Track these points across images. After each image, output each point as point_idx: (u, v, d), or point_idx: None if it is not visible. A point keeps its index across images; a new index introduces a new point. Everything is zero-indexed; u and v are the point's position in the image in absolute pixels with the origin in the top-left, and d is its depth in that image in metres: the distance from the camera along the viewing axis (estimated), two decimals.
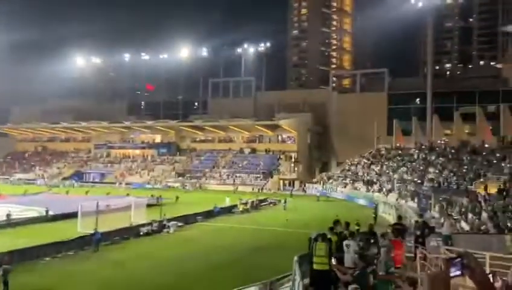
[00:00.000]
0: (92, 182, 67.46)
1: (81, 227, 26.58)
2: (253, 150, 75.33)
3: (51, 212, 32.82)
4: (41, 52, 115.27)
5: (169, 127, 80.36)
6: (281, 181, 66.98)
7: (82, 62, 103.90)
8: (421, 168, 49.25)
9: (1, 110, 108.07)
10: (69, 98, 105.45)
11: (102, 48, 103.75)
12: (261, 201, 45.33)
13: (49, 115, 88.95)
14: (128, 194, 43.94)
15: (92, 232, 23.91)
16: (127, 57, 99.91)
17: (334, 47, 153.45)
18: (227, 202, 41.41)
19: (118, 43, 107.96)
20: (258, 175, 66.51)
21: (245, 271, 19.22)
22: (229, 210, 39.17)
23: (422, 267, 10.15)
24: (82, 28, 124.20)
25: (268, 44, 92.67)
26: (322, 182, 61.92)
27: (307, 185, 63.32)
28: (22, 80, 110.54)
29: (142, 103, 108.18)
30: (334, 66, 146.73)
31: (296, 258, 10.61)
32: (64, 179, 69.49)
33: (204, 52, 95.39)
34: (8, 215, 30.42)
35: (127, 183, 64.09)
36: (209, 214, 35.71)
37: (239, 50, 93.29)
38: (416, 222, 15.94)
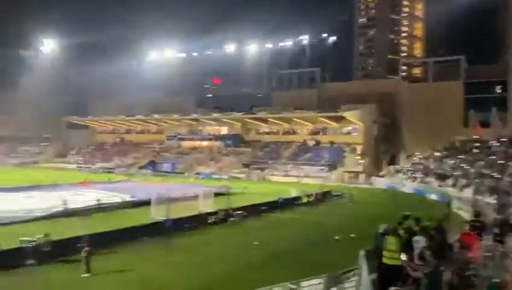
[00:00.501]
0: (164, 172, 71.06)
1: (155, 214, 28.19)
2: (317, 142, 74.61)
3: (134, 199, 35.10)
4: (118, 48, 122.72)
5: (234, 120, 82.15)
6: (346, 174, 65.76)
7: (156, 57, 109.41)
8: (501, 162, 45.70)
9: (83, 104, 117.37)
10: (144, 92, 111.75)
11: (174, 44, 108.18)
12: (326, 193, 44.90)
13: (126, 107, 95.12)
14: (201, 184, 47.22)
15: (164, 219, 25.30)
16: (195, 52, 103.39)
17: (404, 34, 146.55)
18: (293, 193, 41.58)
19: (188, 39, 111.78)
20: (322, 167, 65.84)
21: (307, 263, 19.28)
22: (293, 202, 39.29)
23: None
24: (156, 24, 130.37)
25: (333, 34, 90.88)
26: (389, 175, 59.83)
27: (373, 178, 61.57)
28: (102, 75, 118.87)
29: (209, 96, 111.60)
30: (403, 54, 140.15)
31: (362, 252, 10.50)
32: (140, 168, 73.88)
33: (269, 44, 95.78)
34: (98, 200, 33.29)
35: (195, 173, 66.66)
36: (273, 205, 36.10)
37: (304, 41, 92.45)
38: (495, 219, 14.96)
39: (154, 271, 18.24)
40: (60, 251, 19.61)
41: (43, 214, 29.58)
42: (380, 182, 57.82)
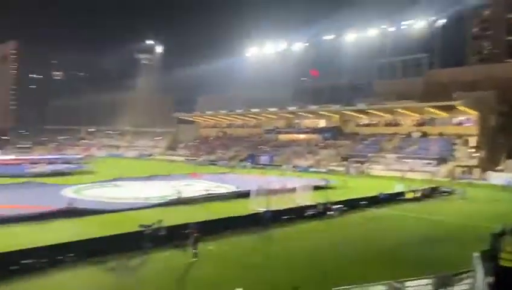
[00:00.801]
0: (263, 164, 72.87)
1: (254, 205, 29.09)
2: (424, 134, 69.73)
3: (238, 190, 36.71)
4: (222, 46, 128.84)
5: (332, 112, 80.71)
6: (457, 168, 60.37)
7: (255, 52, 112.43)
8: None
9: (190, 100, 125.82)
10: (244, 86, 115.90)
11: (272, 39, 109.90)
12: (433, 190, 41.81)
13: (228, 103, 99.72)
14: (299, 176, 48.31)
15: (264, 210, 25.98)
16: (292, 45, 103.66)
17: None
18: (398, 188, 39.60)
19: (285, 33, 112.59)
20: (429, 161, 61.36)
21: (411, 262, 18.26)
22: (395, 197, 37.34)
23: None
24: (255, 21, 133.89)
25: (442, 17, 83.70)
26: (508, 170, 53.54)
27: (489, 173, 55.64)
28: (206, 72, 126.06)
29: (307, 88, 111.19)
30: None
31: (477, 253, 9.59)
32: (241, 161, 76.85)
33: (370, 32, 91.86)
34: (206, 190, 35.78)
35: (293, 166, 67.16)
36: (373, 200, 34.72)
37: (408, 26, 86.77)
38: None
39: (253, 260, 18.87)
40: (171, 236, 21.37)
41: (159, 201, 32.58)
42: (498, 178, 51.99)
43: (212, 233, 22.78)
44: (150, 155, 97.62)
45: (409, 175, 55.62)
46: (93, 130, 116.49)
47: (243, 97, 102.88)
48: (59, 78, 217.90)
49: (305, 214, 28.86)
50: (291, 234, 24.25)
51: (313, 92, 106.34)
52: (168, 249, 20.22)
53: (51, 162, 65.98)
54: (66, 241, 18.85)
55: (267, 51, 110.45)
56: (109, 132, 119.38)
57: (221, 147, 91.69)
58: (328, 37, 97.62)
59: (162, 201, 32.71)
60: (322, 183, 38.75)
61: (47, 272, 16.69)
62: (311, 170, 64.79)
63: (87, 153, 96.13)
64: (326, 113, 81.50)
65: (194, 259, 18.53)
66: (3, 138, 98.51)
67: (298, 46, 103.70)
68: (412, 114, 72.24)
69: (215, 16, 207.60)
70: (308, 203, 30.54)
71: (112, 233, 20.54)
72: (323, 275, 16.84)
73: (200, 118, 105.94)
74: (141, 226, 20.96)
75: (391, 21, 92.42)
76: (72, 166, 59.99)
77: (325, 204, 30.15)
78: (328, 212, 29.41)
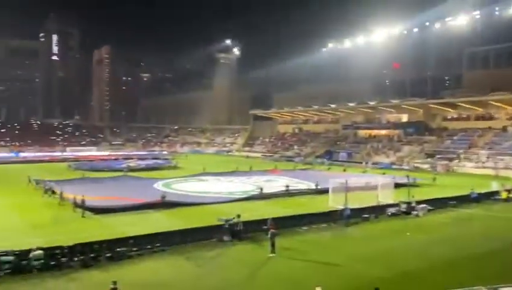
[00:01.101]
0: (340, 161, 71.36)
1: (332, 202, 28.64)
2: None
3: (318, 186, 36.28)
4: (297, 42, 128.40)
5: (416, 106, 76.32)
6: None
7: (332, 47, 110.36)
8: None
9: (267, 97, 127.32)
10: (320, 82, 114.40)
11: (349, 32, 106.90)
12: None
13: (304, 99, 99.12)
14: (384, 173, 46.94)
15: (342, 207, 25.46)
16: (369, 37, 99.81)
17: None
18: (494, 187, 36.50)
19: (358, 26, 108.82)
20: None
21: (501, 267, 16.71)
22: (488, 197, 34.33)
23: None
24: (335, 14, 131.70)
25: None
26: None
27: None
28: (283, 69, 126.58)
29: (387, 82, 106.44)
30: None
31: None
32: (317, 157, 76.04)
33: (457, 19, 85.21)
34: (286, 186, 36.11)
35: (373, 163, 64.86)
36: (463, 200, 32.26)
37: (502, 11, 79.00)
38: None
39: (332, 258, 18.58)
40: (249, 231, 21.89)
41: (242, 196, 33.80)
42: None
43: (289, 229, 22.92)
44: (228, 151, 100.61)
45: (504, 173, 50.80)
46: (176, 127, 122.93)
47: (320, 92, 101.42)
48: (146, 79, 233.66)
49: (387, 212, 27.77)
50: (372, 233, 23.47)
51: (395, 85, 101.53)
52: (245, 243, 20.73)
53: (141, 158, 71.47)
54: (154, 232, 20.28)
55: (345, 44, 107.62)
56: (191, 129, 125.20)
57: (298, 143, 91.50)
58: (411, 27, 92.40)
59: (245, 196, 33.80)
60: (405, 181, 36.89)
61: (135, 259, 18.07)
62: (393, 167, 62.02)
63: (172, 149, 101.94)
64: (409, 107, 77.29)
65: (272, 254, 18.74)
66: (99, 135, 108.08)
67: (378, 38, 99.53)
68: (507, 107, 65.82)
69: (293, 11, 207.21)
70: (390, 201, 29.34)
71: (196, 225, 21.73)
72: (404, 277, 16.10)
73: (276, 115, 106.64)
74: (220, 219, 21.76)
75: (483, 6, 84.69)
76: (160, 161, 64.21)
77: (408, 203, 28.74)
78: (413, 212, 27.98)
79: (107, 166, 56.78)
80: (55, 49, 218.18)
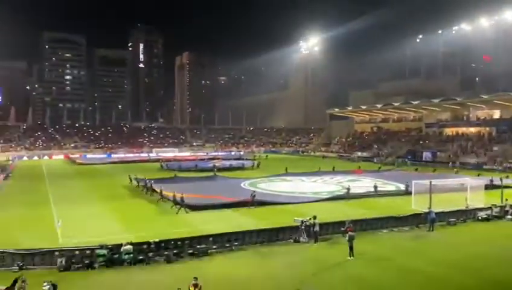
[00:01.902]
0: (424, 161, 67.38)
1: (415, 204, 27.13)
2: None
3: (407, 188, 33.73)
4: (371, 39, 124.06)
5: (510, 101, 69.45)
6: None
7: (411, 42, 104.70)
8: None
9: (343, 95, 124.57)
10: (400, 78, 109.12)
11: (430, 25, 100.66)
12: None
13: (382, 96, 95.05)
14: (479, 175, 43.62)
15: (427, 211, 24.03)
16: (457, 29, 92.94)
17: None
18: None
19: (447, 14, 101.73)
20: None
21: None
22: None
23: None
24: (408, 9, 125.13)
25: None
26: None
27: None
28: (358, 66, 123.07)
29: (477, 76, 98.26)
30: None
31: None
32: (398, 157, 72.59)
33: None
34: (375, 187, 35.23)
35: (461, 163, 60.31)
36: None
37: None
38: None
39: (413, 264, 17.62)
40: (326, 232, 21.59)
41: (328, 196, 33.65)
42: None
43: (370, 232, 22.22)
44: (304, 152, 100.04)
45: None
46: (252, 128, 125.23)
47: (400, 89, 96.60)
48: (224, 82, 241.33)
49: (477, 216, 25.70)
50: (459, 238, 21.86)
51: (485, 79, 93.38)
52: (322, 245, 20.46)
53: (226, 158, 74.19)
54: (233, 230, 20.88)
55: (426, 39, 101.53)
56: (266, 129, 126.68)
57: (377, 142, 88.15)
58: (504, 14, 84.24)
59: (331, 196, 33.65)
60: (497, 182, 33.79)
61: (214, 256, 18.75)
62: (484, 167, 57.11)
63: (248, 150, 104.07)
64: (502, 103, 70.55)
65: (350, 258, 18.27)
66: (181, 137, 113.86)
67: (465, 30, 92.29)
68: None
69: (369, 6, 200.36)
70: (480, 205, 27.10)
71: (273, 225, 21.95)
72: (495, 287, 14.74)
73: (353, 114, 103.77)
74: (296, 220, 21.72)
75: None
76: (243, 162, 66.31)
77: (502, 206, 26.31)
78: (506, 216, 25.59)
79: (196, 166, 59.90)
80: (141, 57, 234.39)
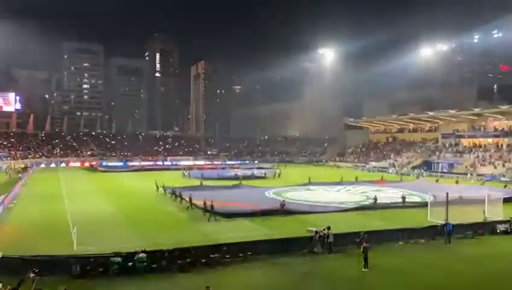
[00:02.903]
0: (441, 172, 66.36)
1: (432, 216, 26.67)
2: None
3: (431, 199, 33.52)
4: (390, 48, 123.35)
5: None
6: None
7: (427, 51, 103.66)
8: None
9: (358, 105, 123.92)
10: (416, 88, 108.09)
11: (447, 34, 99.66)
12: None
13: (397, 106, 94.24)
14: (505, 186, 44.14)
15: (443, 223, 23.59)
16: (476, 38, 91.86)
17: None
18: None
19: (462, 26, 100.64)
20: None
21: None
22: None
23: None
24: (427, 17, 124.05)
25: None
26: None
27: None
28: (375, 75, 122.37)
29: (495, 86, 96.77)
30: None
31: None
32: (414, 168, 71.64)
33: None
34: (403, 197, 34.78)
35: (478, 175, 59.20)
36: None
37: None
38: None
39: (429, 277, 17.29)
40: (341, 243, 21.35)
41: (354, 206, 33.74)
42: None
43: (385, 244, 21.91)
44: (318, 161, 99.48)
45: None
46: (266, 137, 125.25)
47: (416, 99, 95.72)
48: (239, 91, 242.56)
49: (496, 230, 25.12)
50: (477, 252, 21.37)
51: (504, 89, 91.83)
52: (337, 256, 20.25)
53: (247, 167, 74.44)
54: (248, 240, 20.82)
55: (443, 47, 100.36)
56: (281, 139, 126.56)
57: (392, 153, 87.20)
58: None
59: (357, 206, 33.70)
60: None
61: (228, 266, 18.69)
62: (502, 179, 55.93)
63: (262, 159, 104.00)
64: None
65: (365, 269, 18.02)
66: (196, 146, 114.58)
67: (482, 39, 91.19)
68: None
69: (383, 15, 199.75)
70: (499, 217, 26.50)
71: (287, 235, 21.80)
72: None
73: (369, 124, 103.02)
74: (309, 230, 21.55)
75: None
76: (264, 171, 66.62)
77: None
78: None
79: (218, 174, 60.71)
80: (157, 66, 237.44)
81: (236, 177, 55.32)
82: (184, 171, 63.50)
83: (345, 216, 29.80)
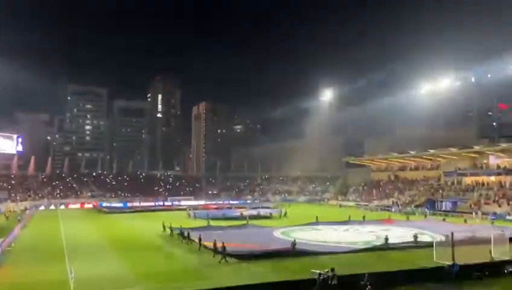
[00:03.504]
0: (444, 211, 65.54)
1: (437, 257, 26.08)
2: None
3: (446, 237, 30.90)
4: (390, 85, 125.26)
5: None
6: None
7: (426, 90, 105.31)
8: None
9: (358, 143, 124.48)
10: (417, 126, 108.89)
11: (448, 72, 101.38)
12: None
13: (398, 144, 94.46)
14: (493, 223, 44.73)
15: (450, 263, 22.99)
16: (473, 78, 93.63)
17: None
18: None
19: (463, 65, 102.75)
20: None
21: None
22: None
23: None
24: (427, 55, 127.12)
25: None
26: None
27: None
28: (376, 113, 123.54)
29: (494, 124, 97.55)
30: None
31: None
32: (417, 206, 70.83)
33: None
34: (415, 237, 34.11)
35: (483, 213, 58.42)
36: None
37: None
38: None
39: None
40: (344, 286, 20.70)
41: (364, 246, 33.19)
42: None
43: (387, 286, 21.25)
44: (320, 200, 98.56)
45: None
46: (267, 176, 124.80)
47: (417, 137, 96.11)
48: (239, 130, 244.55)
49: (504, 270, 24.43)
50: None
51: (503, 127, 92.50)
52: None
53: (252, 207, 74.04)
54: (250, 283, 20.21)
55: (443, 85, 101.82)
56: (282, 178, 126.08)
57: (394, 191, 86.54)
58: None
59: (368, 246, 33.14)
60: None
61: None
62: (508, 218, 55.12)
63: (263, 198, 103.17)
64: None
65: None
66: (197, 185, 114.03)
67: (480, 77, 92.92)
68: None
69: (383, 52, 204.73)
70: (506, 257, 25.86)
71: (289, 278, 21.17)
72: None
73: (370, 162, 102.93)
74: (313, 273, 20.99)
75: None
76: (269, 210, 66.20)
77: None
78: None
79: (223, 214, 60.36)
80: (159, 107, 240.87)
81: (242, 217, 54.96)
82: (189, 211, 62.83)
83: (350, 257, 29.13)
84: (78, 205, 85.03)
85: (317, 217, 51.92)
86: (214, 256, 28.36)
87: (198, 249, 31.30)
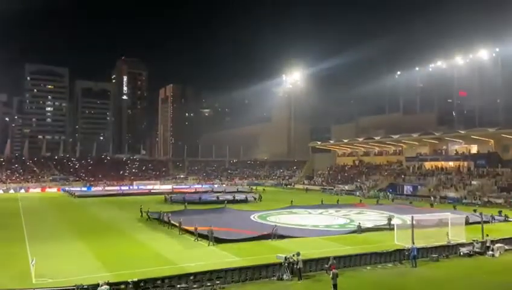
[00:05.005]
0: (406, 195, 68.04)
1: (398, 240, 27.19)
2: None
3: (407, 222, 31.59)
4: (353, 74, 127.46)
5: (487, 136, 71.56)
6: None
7: (391, 78, 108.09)
8: None
9: (325, 129, 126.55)
10: (380, 113, 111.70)
11: (414, 60, 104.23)
12: None
13: (363, 130, 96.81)
14: (455, 207, 46.25)
15: (409, 246, 24.03)
16: (433, 65, 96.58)
17: None
18: None
19: (424, 51, 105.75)
20: None
21: None
22: None
23: None
24: (398, 44, 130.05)
25: None
26: None
27: None
28: (340, 101, 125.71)
29: (454, 111, 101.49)
30: None
31: None
32: (380, 190, 73.16)
33: None
34: (389, 219, 34.89)
35: (441, 197, 61.10)
36: None
37: None
38: None
39: None
40: (310, 269, 21.28)
41: (341, 229, 34.53)
42: None
43: (353, 269, 22.01)
44: (287, 184, 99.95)
45: None
46: (235, 161, 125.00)
47: (381, 123, 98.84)
48: (207, 114, 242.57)
49: (459, 252, 25.80)
50: (442, 275, 21.80)
51: (462, 114, 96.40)
52: (306, 283, 20.12)
53: (228, 191, 73.77)
54: (216, 268, 20.37)
55: (406, 74, 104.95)
56: (250, 162, 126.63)
57: (359, 176, 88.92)
58: (478, 53, 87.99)
59: (344, 229, 34.29)
60: (476, 217, 34.34)
61: None
62: (464, 201, 57.97)
63: (231, 182, 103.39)
64: (479, 138, 72.69)
65: None
66: (163, 169, 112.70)
67: (442, 66, 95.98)
68: None
69: (352, 41, 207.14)
70: (461, 240, 27.29)
71: (256, 263, 21.50)
72: None
73: (335, 147, 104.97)
74: (278, 257, 21.39)
75: None
76: (244, 195, 66.27)
77: (483, 242, 26.52)
78: (488, 252, 25.74)
79: (199, 198, 60.77)
80: (125, 89, 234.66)
81: (219, 201, 55.58)
82: (166, 196, 62.70)
83: (316, 240, 29.85)
84: (39, 189, 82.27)
85: (292, 201, 53.45)
86: (195, 240, 28.80)
87: (179, 233, 31.46)
